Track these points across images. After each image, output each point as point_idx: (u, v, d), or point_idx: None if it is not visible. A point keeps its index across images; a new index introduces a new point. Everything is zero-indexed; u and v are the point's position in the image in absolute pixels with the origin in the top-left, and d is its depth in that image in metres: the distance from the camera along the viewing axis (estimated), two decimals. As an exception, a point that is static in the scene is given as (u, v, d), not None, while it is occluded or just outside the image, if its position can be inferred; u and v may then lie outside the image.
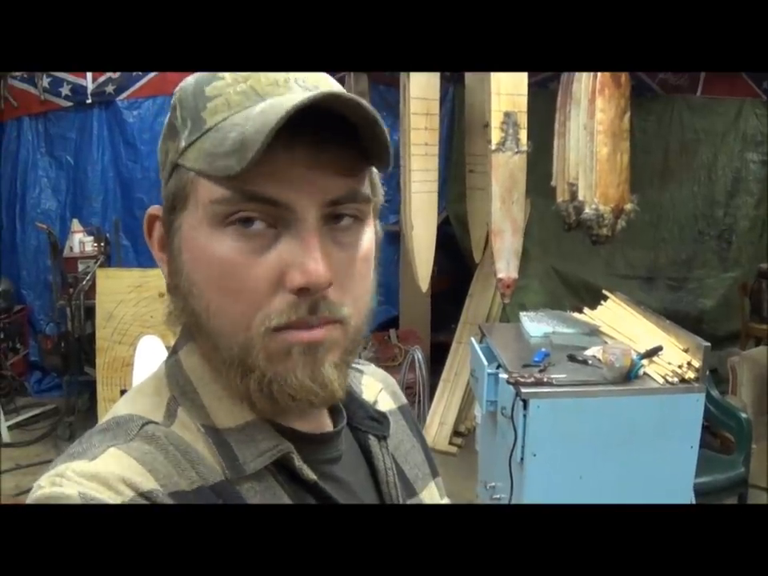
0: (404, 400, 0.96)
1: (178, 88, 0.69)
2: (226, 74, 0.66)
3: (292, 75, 0.66)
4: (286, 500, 0.68)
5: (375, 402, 0.86)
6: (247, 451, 0.67)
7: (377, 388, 0.90)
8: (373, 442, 0.81)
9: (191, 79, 0.68)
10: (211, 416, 0.69)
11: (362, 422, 0.82)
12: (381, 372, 0.97)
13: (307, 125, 0.60)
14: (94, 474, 0.59)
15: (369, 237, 0.69)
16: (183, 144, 0.66)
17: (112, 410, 0.70)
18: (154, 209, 0.72)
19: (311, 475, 0.69)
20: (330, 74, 0.69)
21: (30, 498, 0.60)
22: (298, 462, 0.69)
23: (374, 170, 0.70)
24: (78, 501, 0.57)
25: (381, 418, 0.83)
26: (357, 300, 0.68)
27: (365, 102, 0.60)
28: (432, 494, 0.89)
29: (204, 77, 0.67)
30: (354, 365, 0.91)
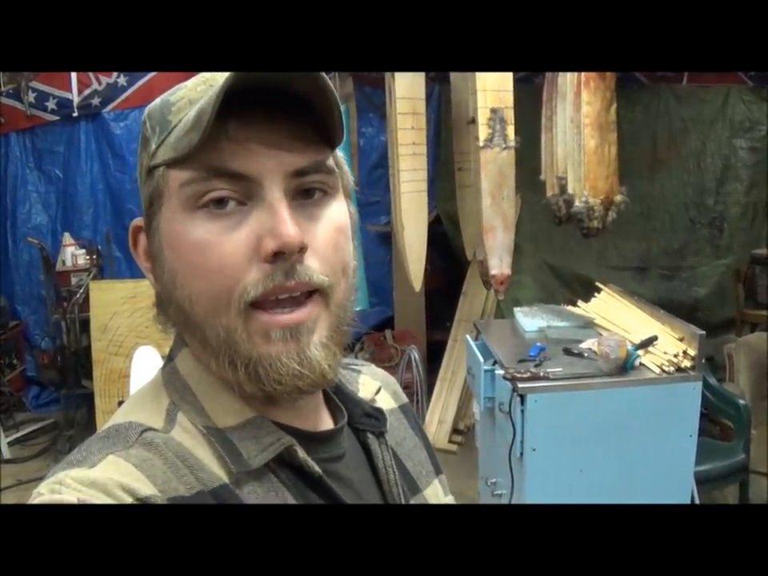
0: (405, 399, 0.96)
1: (145, 110, 0.72)
2: (188, 82, 0.69)
3: None
4: (290, 499, 0.68)
5: (372, 401, 0.86)
6: (251, 447, 0.68)
7: (374, 387, 0.90)
8: (372, 439, 0.81)
9: (157, 99, 0.71)
10: (212, 417, 0.69)
11: (360, 419, 0.82)
12: (381, 372, 0.97)
13: (264, 104, 0.63)
14: (93, 480, 0.60)
15: (341, 210, 0.71)
16: (154, 147, 0.68)
17: (111, 418, 0.70)
18: (138, 221, 0.74)
19: (316, 468, 0.69)
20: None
21: None
22: (302, 453, 0.69)
23: (338, 152, 0.72)
24: None
25: (377, 414, 0.83)
26: (336, 272, 0.68)
27: (316, 73, 0.62)
28: (436, 491, 0.89)
29: (168, 91, 0.70)
30: (352, 366, 0.91)
